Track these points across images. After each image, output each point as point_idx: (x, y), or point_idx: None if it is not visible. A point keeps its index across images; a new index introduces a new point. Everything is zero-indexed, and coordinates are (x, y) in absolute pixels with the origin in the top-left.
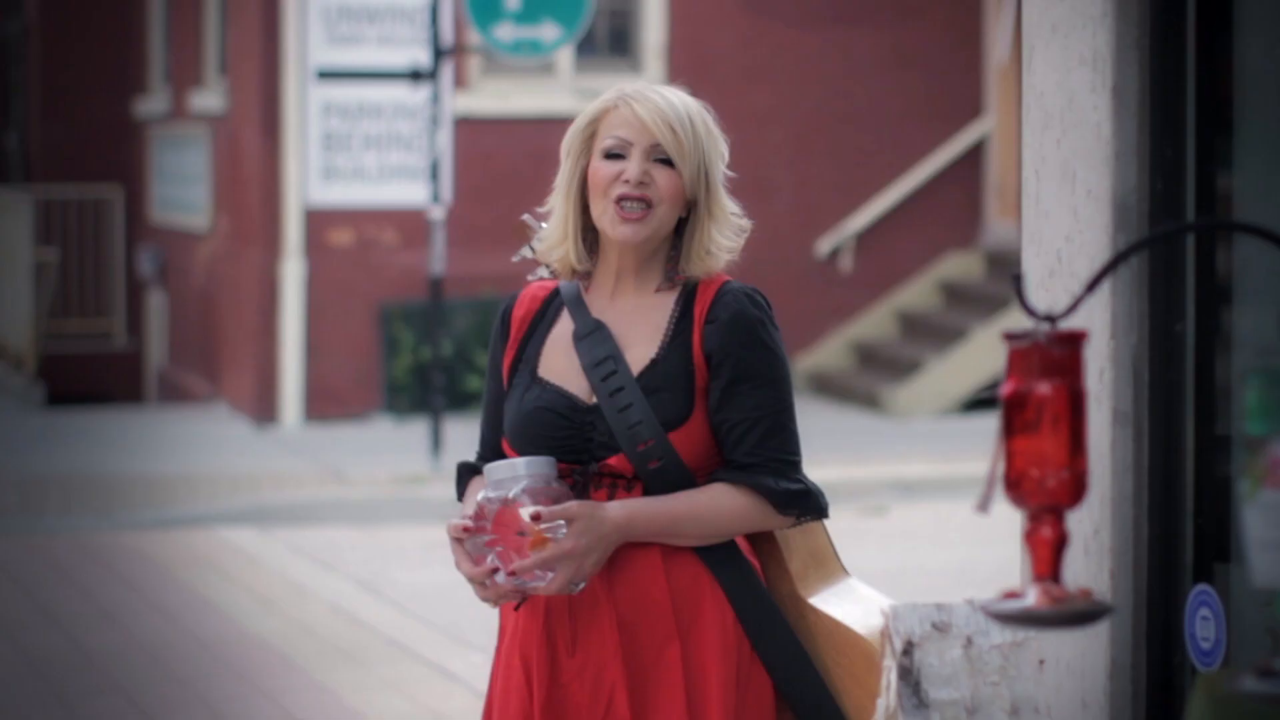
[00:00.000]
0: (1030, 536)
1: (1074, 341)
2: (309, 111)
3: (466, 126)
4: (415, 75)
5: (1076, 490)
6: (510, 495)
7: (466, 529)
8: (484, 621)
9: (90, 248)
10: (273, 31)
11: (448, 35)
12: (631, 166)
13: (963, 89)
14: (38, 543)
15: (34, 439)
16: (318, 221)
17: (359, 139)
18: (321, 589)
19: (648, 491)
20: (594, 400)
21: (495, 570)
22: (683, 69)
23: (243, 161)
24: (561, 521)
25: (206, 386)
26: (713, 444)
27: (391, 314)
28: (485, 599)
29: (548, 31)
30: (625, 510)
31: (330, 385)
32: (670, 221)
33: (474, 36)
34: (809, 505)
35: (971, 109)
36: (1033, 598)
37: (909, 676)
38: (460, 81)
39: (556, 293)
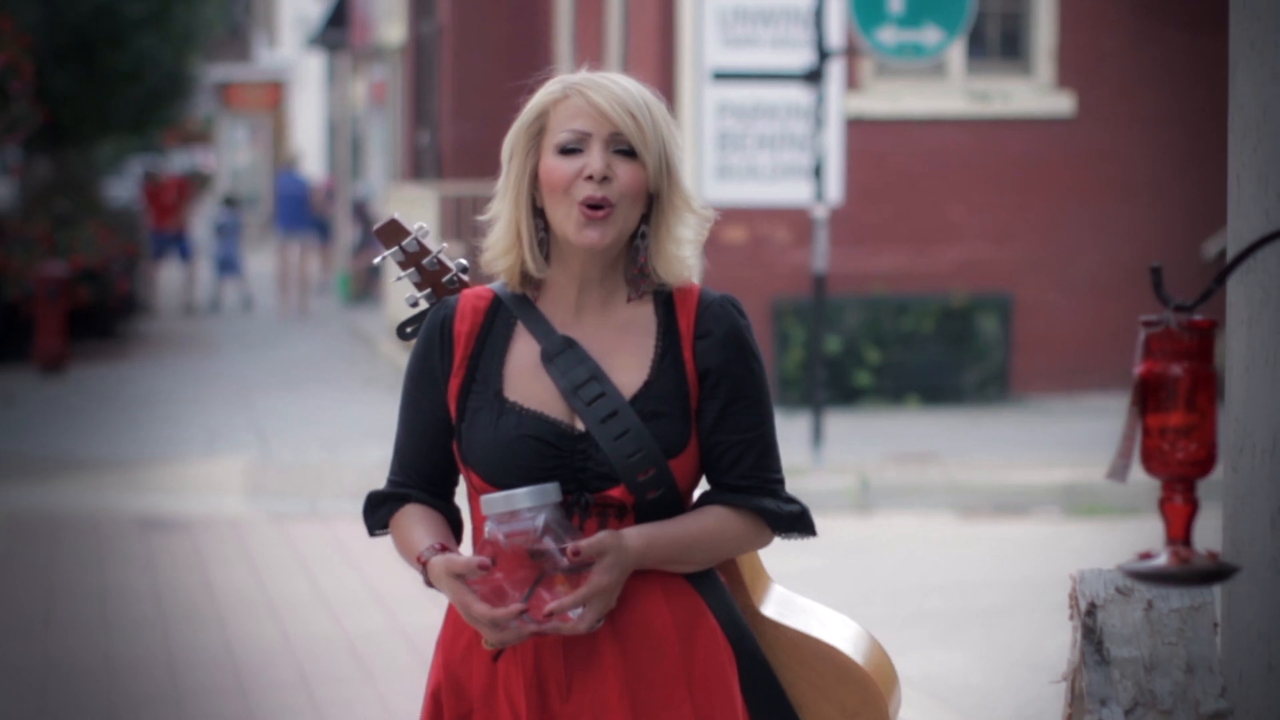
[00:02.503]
0: (1164, 504)
1: (1204, 329)
2: (704, 111)
3: (859, 127)
4: (809, 76)
5: (1205, 463)
6: (537, 528)
7: (484, 566)
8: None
9: None
10: (669, 33)
11: (835, 38)
12: (593, 159)
13: None
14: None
15: None
16: None
17: (753, 139)
18: None
19: (640, 520)
20: (582, 427)
21: (523, 610)
22: (1073, 71)
23: None
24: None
25: None
26: (700, 465)
27: (783, 310)
28: (500, 642)
29: (930, 35)
30: (643, 539)
31: None
32: (634, 220)
33: (860, 39)
34: (805, 525)
35: None
36: (1164, 558)
37: (1092, 636)
38: (853, 83)
39: (498, 302)
